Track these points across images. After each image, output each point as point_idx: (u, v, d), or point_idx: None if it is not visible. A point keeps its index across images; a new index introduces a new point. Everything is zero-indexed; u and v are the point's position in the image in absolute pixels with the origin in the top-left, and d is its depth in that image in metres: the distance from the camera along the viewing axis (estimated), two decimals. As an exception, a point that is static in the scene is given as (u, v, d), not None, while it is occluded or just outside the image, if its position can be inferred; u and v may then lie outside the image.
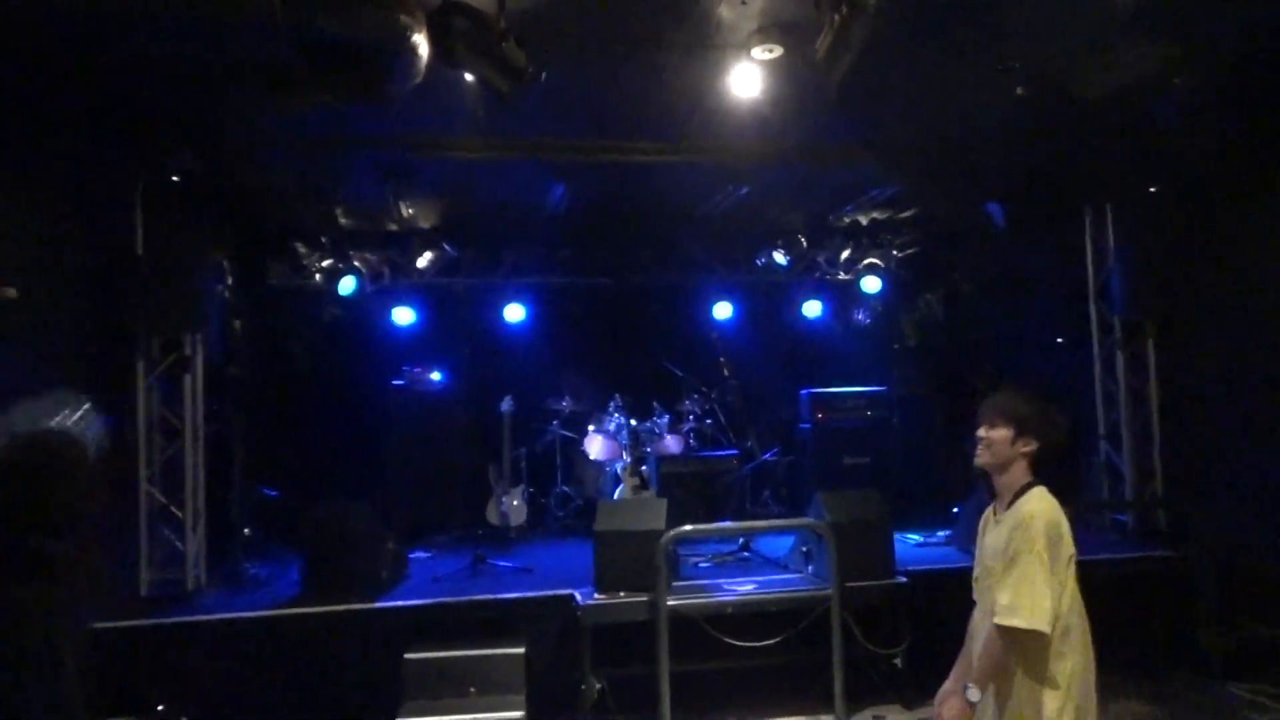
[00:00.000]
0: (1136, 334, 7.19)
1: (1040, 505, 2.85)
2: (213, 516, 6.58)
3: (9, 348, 4.60)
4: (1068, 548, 2.85)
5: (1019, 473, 2.94)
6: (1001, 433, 2.96)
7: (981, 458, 3.02)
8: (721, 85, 5.30)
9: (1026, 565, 2.77)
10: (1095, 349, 7.47)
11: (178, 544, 6.14)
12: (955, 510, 7.44)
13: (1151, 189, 6.80)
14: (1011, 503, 2.93)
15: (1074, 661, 2.84)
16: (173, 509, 6.16)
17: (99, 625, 5.21)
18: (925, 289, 10.09)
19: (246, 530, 7.07)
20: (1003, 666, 2.83)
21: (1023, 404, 2.98)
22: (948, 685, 3.11)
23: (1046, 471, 2.95)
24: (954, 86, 5.47)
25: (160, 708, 5.03)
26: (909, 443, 9.09)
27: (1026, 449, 2.93)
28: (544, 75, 4.49)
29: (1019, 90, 5.19)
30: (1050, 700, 2.80)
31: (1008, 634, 2.78)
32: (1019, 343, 8.77)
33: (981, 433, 3.02)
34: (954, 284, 9.93)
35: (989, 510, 3.09)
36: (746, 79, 5.16)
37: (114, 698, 4.91)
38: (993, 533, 2.99)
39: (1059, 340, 7.97)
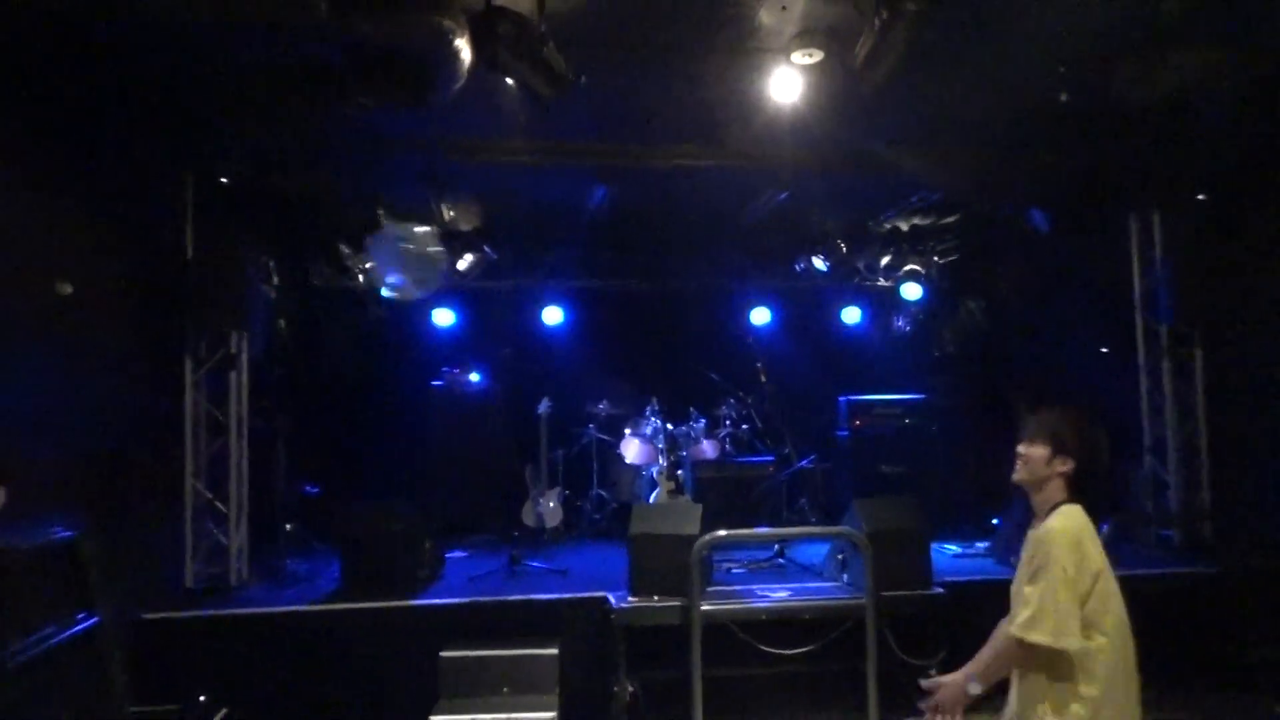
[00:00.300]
0: (1183, 344, 7.05)
1: (1063, 521, 2.82)
2: (255, 512, 6.71)
3: (66, 342, 4.75)
4: (1093, 563, 2.80)
5: (1054, 491, 2.92)
6: (1039, 450, 2.95)
7: (1018, 473, 3.00)
8: (761, 89, 5.30)
9: (1049, 581, 2.74)
10: (1141, 358, 7.34)
11: (221, 538, 6.27)
12: (995, 522, 7.34)
13: (1200, 196, 6.67)
14: (1043, 519, 2.92)
15: (1106, 675, 2.78)
16: (217, 504, 6.30)
17: (145, 615, 5.34)
18: (966, 296, 9.97)
19: (288, 526, 7.20)
20: (1008, 673, 2.85)
21: (1064, 423, 2.96)
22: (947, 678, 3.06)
23: (1086, 491, 2.92)
24: (997, 91, 5.42)
25: (202, 697, 5.12)
26: (949, 452, 8.97)
27: (1063, 468, 2.91)
28: (583, 79, 4.53)
29: (1063, 95, 5.12)
30: (1076, 713, 2.76)
31: (1029, 648, 2.75)
32: (1062, 351, 8.64)
33: (1021, 449, 3.00)
34: (996, 291, 9.79)
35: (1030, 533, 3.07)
36: (786, 83, 5.15)
37: (158, 685, 5.01)
38: (1025, 548, 2.98)
39: (1104, 350, 7.84)
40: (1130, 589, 6.13)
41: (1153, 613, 6.03)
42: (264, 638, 5.52)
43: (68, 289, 4.68)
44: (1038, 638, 2.72)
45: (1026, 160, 6.68)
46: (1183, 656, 5.94)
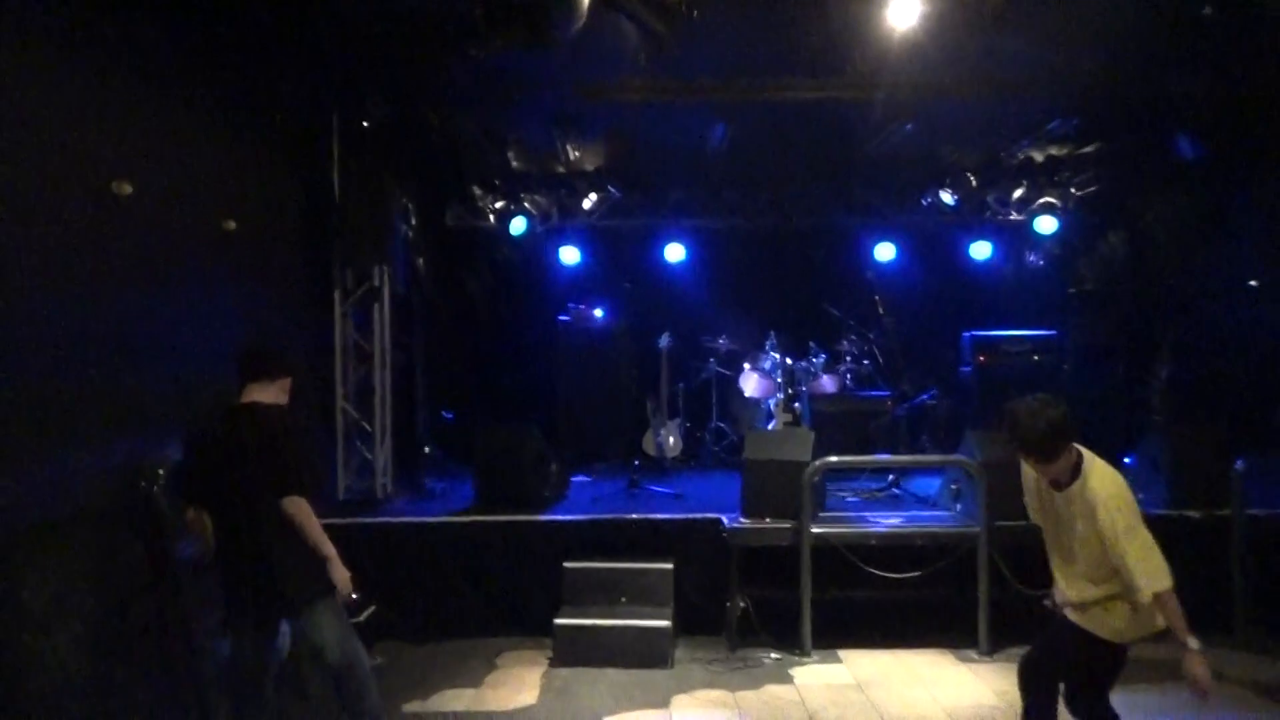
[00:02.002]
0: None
1: (1102, 481, 3.26)
2: (398, 434, 7.26)
3: (237, 272, 5.28)
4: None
5: (1067, 461, 3.31)
6: (1061, 464, 3.30)
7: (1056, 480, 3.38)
8: (880, 16, 5.24)
9: (1141, 538, 3.20)
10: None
11: (368, 456, 6.85)
12: (1126, 461, 7.13)
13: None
14: (1072, 480, 3.32)
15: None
16: (364, 424, 6.87)
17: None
18: (1108, 229, 9.52)
19: (426, 449, 7.77)
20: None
21: (1041, 434, 3.26)
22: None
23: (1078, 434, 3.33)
24: (1133, 8, 5.16)
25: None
26: (1081, 391, 8.71)
27: (1068, 453, 3.30)
28: (695, 13, 4.63)
29: (1205, 9, 4.84)
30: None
31: (1163, 595, 3.18)
32: (1210, 287, 8.19)
33: (1047, 474, 3.38)
34: (1140, 225, 9.30)
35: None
36: (905, 8, 5.09)
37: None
38: (1062, 501, 3.37)
39: (1252, 283, 7.40)
40: (1270, 529, 5.92)
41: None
42: (408, 545, 6.05)
43: (231, 225, 5.18)
44: (1163, 585, 3.16)
45: (1171, 80, 6.31)
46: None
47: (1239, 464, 5.59)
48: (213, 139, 5.14)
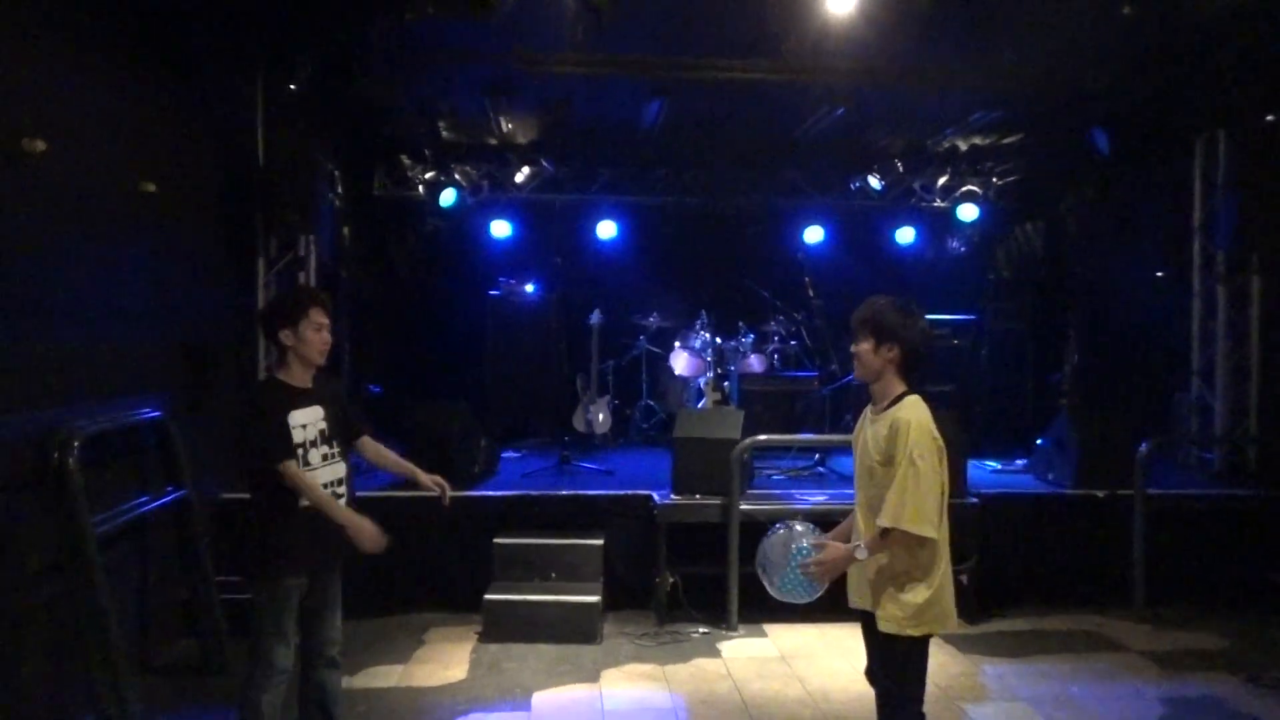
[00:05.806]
0: (1240, 269, 6.96)
1: (913, 413, 2.98)
2: (323, 409, 7.08)
3: (153, 238, 5.07)
4: (941, 451, 2.99)
5: (890, 381, 3.08)
6: (865, 345, 3.08)
7: (857, 373, 3.17)
8: (820, 2, 5.30)
9: (914, 474, 2.89)
10: (1196, 283, 7.28)
11: (293, 429, 6.67)
12: (1039, 442, 7.44)
13: (1269, 117, 6.50)
14: (888, 408, 3.06)
15: (943, 557, 3.02)
16: (288, 397, 6.68)
17: (225, 496, 5.77)
18: (1025, 219, 9.87)
19: (353, 423, 7.59)
20: (884, 550, 2.99)
21: (878, 313, 3.08)
22: (838, 534, 3.26)
23: (916, 370, 3.09)
24: (1059, 6, 5.34)
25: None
26: (997, 374, 9.04)
27: (890, 355, 3.04)
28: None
29: (1125, 9, 5.04)
30: (920, 592, 2.98)
31: (901, 534, 2.91)
32: (1119, 277, 8.58)
33: (853, 349, 3.15)
34: (1055, 215, 9.68)
35: (866, 409, 3.22)
36: (843, -5, 5.15)
37: (235, 561, 5.46)
38: (870, 428, 3.13)
39: (1159, 274, 7.78)
40: (1168, 508, 6.23)
41: (1189, 533, 6.19)
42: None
43: (151, 187, 4.97)
44: (903, 525, 2.89)
45: (1091, 76, 6.55)
46: (1215, 577, 6.08)
47: (1142, 447, 5.88)
48: (132, 98, 4.91)
